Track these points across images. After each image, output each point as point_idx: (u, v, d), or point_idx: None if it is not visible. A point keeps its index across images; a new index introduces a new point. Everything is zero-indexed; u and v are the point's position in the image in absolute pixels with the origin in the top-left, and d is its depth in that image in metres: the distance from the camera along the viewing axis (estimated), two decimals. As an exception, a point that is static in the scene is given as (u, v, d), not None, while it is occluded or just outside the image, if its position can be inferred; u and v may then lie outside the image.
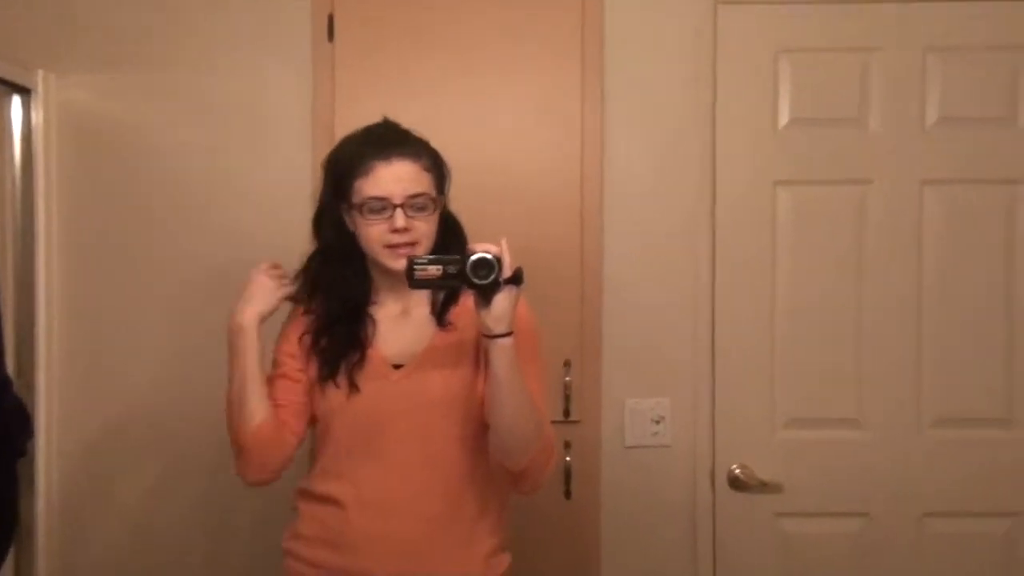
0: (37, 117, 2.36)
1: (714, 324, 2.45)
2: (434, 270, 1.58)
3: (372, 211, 1.70)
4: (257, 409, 1.73)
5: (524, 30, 2.41)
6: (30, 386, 2.35)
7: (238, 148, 2.42)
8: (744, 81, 2.44)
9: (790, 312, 2.45)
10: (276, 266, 1.79)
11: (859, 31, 2.44)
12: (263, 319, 1.74)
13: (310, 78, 2.41)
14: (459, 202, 1.85)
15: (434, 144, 1.79)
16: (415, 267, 1.58)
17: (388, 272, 1.74)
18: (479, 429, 1.73)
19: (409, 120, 1.81)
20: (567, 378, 2.40)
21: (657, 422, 2.45)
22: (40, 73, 2.37)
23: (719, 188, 2.44)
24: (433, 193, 1.74)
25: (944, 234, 2.44)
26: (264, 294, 1.75)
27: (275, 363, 1.83)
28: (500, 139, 2.42)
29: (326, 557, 1.74)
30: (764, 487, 2.44)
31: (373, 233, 1.71)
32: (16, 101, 2.34)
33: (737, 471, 2.45)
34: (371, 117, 1.81)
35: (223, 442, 2.35)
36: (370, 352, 1.76)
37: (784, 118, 2.45)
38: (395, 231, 1.69)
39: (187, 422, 2.42)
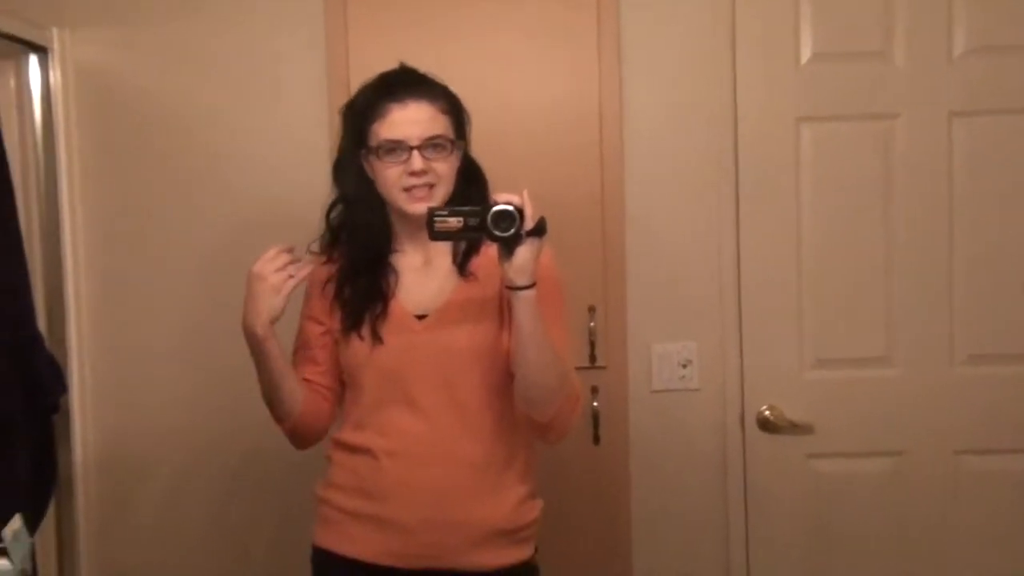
0: (55, 76, 2.37)
1: (739, 265, 2.42)
2: (455, 222, 1.55)
3: (388, 154, 1.70)
4: (293, 405, 1.77)
5: (539, -29, 2.37)
6: (60, 342, 2.38)
7: (254, 103, 2.42)
8: (764, 16, 2.39)
9: (817, 250, 2.42)
10: (283, 251, 1.70)
11: (880, -39, 2.38)
12: (275, 320, 1.69)
13: (323, 30, 2.39)
14: (477, 148, 1.83)
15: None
16: (435, 219, 1.56)
17: (408, 219, 1.73)
18: (505, 379, 1.72)
19: (424, 68, 1.79)
20: (592, 324, 2.39)
21: (684, 366, 2.44)
22: (55, 31, 2.37)
23: (741, 126, 2.40)
24: (450, 135, 1.73)
25: (973, 167, 2.39)
26: (268, 297, 1.67)
27: (300, 330, 1.85)
28: (516, 83, 2.40)
29: (359, 505, 1.76)
30: (794, 428, 2.42)
31: (390, 176, 1.70)
32: (33, 60, 2.35)
33: (767, 413, 2.43)
34: (385, 68, 1.79)
35: (251, 393, 2.40)
36: (392, 303, 1.76)
37: (806, 53, 2.40)
38: (412, 173, 1.68)
39: (214, 377, 2.44)
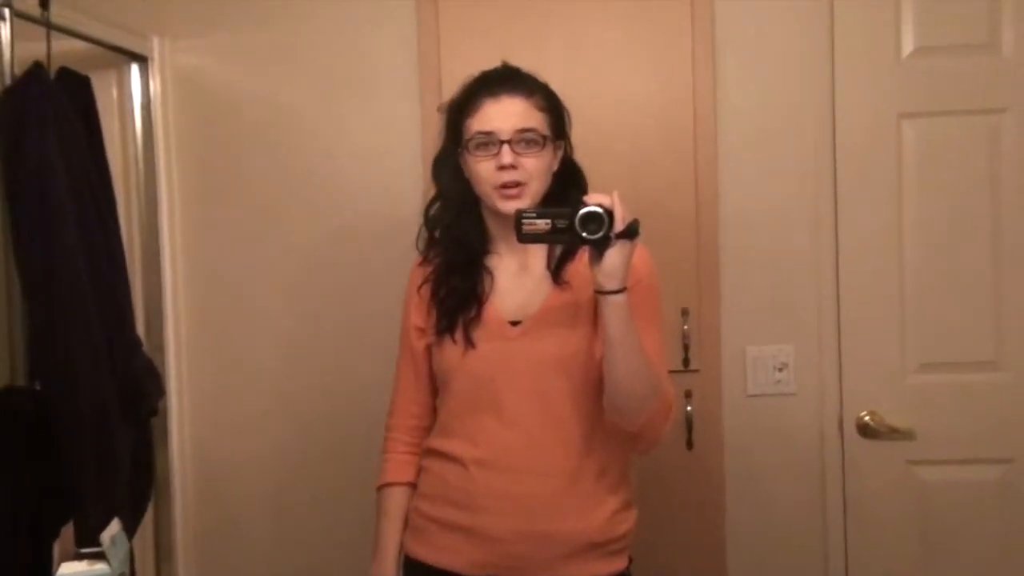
0: (155, 84, 2.42)
1: (838, 266, 2.35)
2: (543, 224, 1.52)
3: (480, 147, 1.69)
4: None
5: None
6: (159, 347, 2.43)
7: (347, 104, 2.44)
8: (864, 8, 2.32)
9: (920, 250, 2.34)
10: None
11: (987, -51, 2.30)
12: None
13: (415, 33, 2.40)
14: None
15: (544, 89, 1.76)
16: (523, 220, 1.53)
17: (503, 221, 1.71)
18: (597, 388, 1.68)
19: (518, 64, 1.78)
20: (685, 326, 2.35)
21: (780, 369, 2.38)
22: (155, 40, 2.42)
23: (840, 123, 2.34)
24: (545, 131, 1.70)
25: (1088, 162, 2.29)
26: None
27: (402, 338, 1.86)
28: (609, 82, 2.37)
29: (448, 514, 1.74)
30: (895, 434, 2.34)
31: (482, 171, 1.69)
32: (134, 70, 2.40)
33: (866, 418, 2.36)
34: (477, 68, 1.78)
35: (349, 397, 2.42)
36: (487, 308, 1.74)
37: (908, 46, 2.32)
38: (502, 167, 1.66)
39: (311, 381, 2.47)
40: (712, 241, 2.37)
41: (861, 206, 2.34)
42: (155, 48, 2.42)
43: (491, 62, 1.79)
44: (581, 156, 1.82)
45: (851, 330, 2.36)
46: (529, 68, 1.77)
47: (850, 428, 2.37)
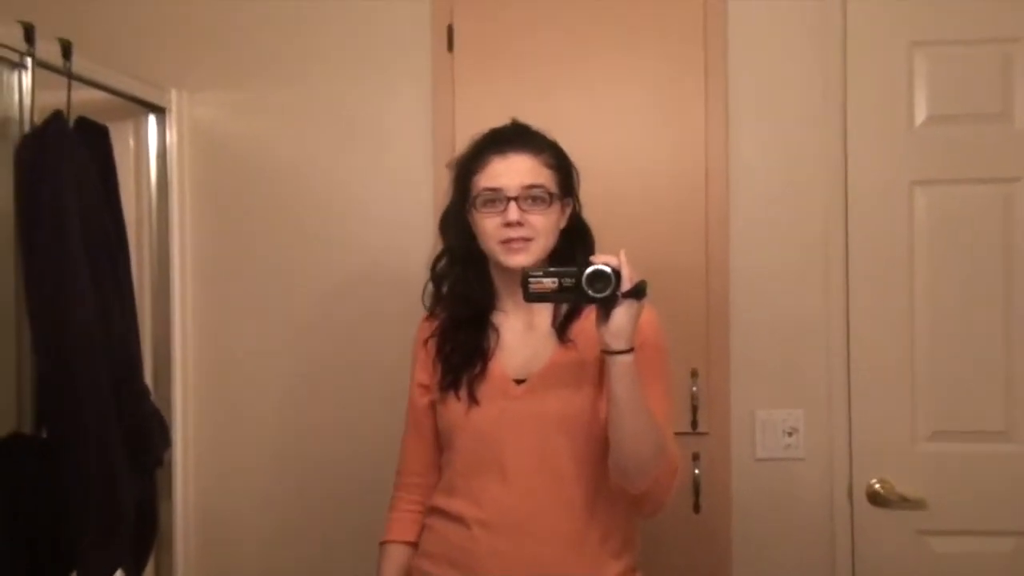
0: (171, 135, 2.44)
1: (849, 331, 2.34)
2: (549, 283, 1.52)
3: (487, 204, 1.69)
4: None
5: (645, 30, 2.37)
6: (166, 398, 2.42)
7: (361, 161, 2.46)
8: (877, 76, 2.34)
9: (931, 318, 2.33)
10: None
11: (999, 20, 2.32)
12: None
13: (430, 89, 2.42)
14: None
15: (557, 147, 1.77)
16: (530, 279, 1.53)
17: (509, 277, 1.70)
18: (602, 449, 1.65)
19: (529, 121, 1.78)
20: (694, 388, 2.34)
21: (790, 434, 2.36)
22: (173, 92, 2.45)
23: (852, 189, 2.34)
24: (552, 188, 1.70)
25: (1100, 233, 2.29)
26: None
27: (409, 398, 1.85)
28: (622, 142, 2.38)
29: (450, 574, 1.71)
30: (906, 503, 2.31)
31: (488, 227, 1.69)
32: (151, 120, 2.43)
33: (876, 486, 2.33)
34: (491, 125, 1.79)
35: (352, 451, 2.41)
36: (492, 365, 1.73)
37: (921, 115, 2.33)
38: (508, 224, 1.66)
39: (316, 434, 2.47)
40: (722, 302, 2.36)
41: (873, 271, 2.34)
42: (173, 100, 2.45)
43: (505, 119, 1.80)
44: (591, 213, 1.83)
45: (862, 396, 2.34)
46: (542, 125, 1.78)
47: (860, 495, 2.34)
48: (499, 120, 1.80)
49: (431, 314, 1.83)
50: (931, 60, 2.33)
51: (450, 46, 2.41)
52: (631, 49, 2.38)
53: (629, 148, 2.39)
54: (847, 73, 2.34)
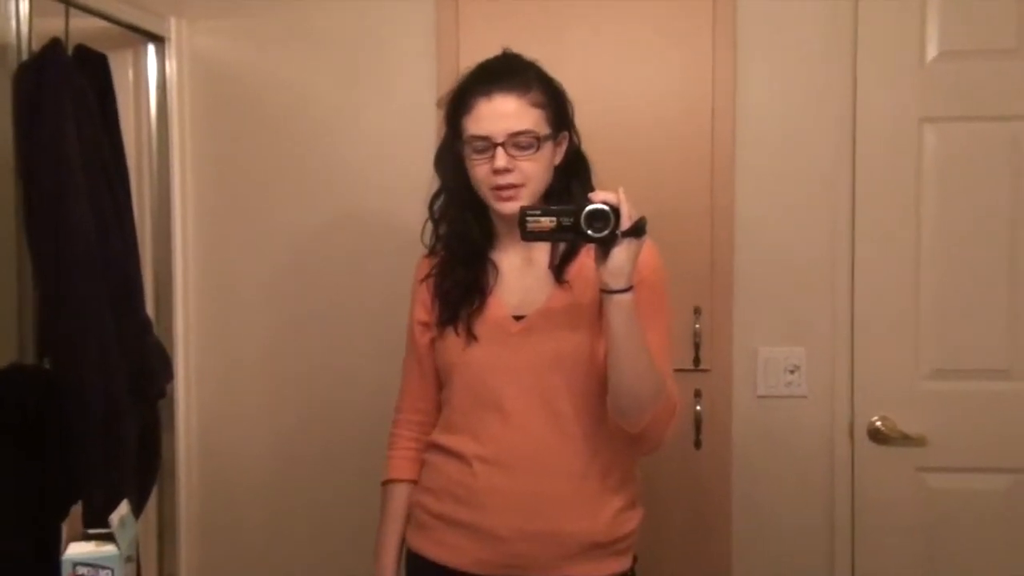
0: (171, 65, 2.41)
1: (854, 269, 2.33)
2: (547, 221, 1.49)
3: (476, 151, 1.66)
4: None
5: (654, -36, 2.33)
6: (168, 329, 2.42)
7: (364, 95, 2.43)
8: (889, 11, 2.29)
9: (937, 256, 2.32)
10: None
11: (1016, -46, 2.27)
12: None
13: (434, 22, 2.38)
14: (585, 143, 1.79)
15: (560, 79, 1.73)
16: (528, 218, 1.50)
17: (505, 217, 1.68)
18: (601, 387, 1.65)
19: (534, 56, 1.74)
20: (697, 325, 2.33)
21: (792, 372, 2.36)
22: (172, 20, 2.41)
23: (860, 126, 2.31)
24: (541, 131, 1.66)
25: (1110, 172, 2.26)
26: None
27: (408, 334, 1.84)
28: (628, 79, 2.35)
29: (450, 510, 1.72)
30: (906, 440, 2.32)
31: (479, 174, 1.67)
32: (150, 50, 2.39)
33: (877, 423, 2.34)
34: (495, 54, 1.76)
35: (354, 380, 2.41)
36: (490, 301, 1.72)
37: (932, 51, 2.30)
38: (496, 171, 1.63)
39: (317, 367, 2.47)
40: (727, 240, 2.35)
41: (879, 210, 2.32)
42: (172, 29, 2.41)
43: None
44: (596, 151, 1.80)
45: (864, 335, 2.34)
46: (547, 60, 1.74)
47: (861, 433, 2.35)
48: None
49: (431, 252, 1.82)
50: (943, -6, 2.29)
51: (455, -27, 2.37)
52: (639, -18, 2.34)
53: (635, 85, 2.35)
54: (858, 8, 2.30)
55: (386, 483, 1.86)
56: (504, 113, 1.64)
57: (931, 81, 2.30)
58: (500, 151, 1.62)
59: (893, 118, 2.31)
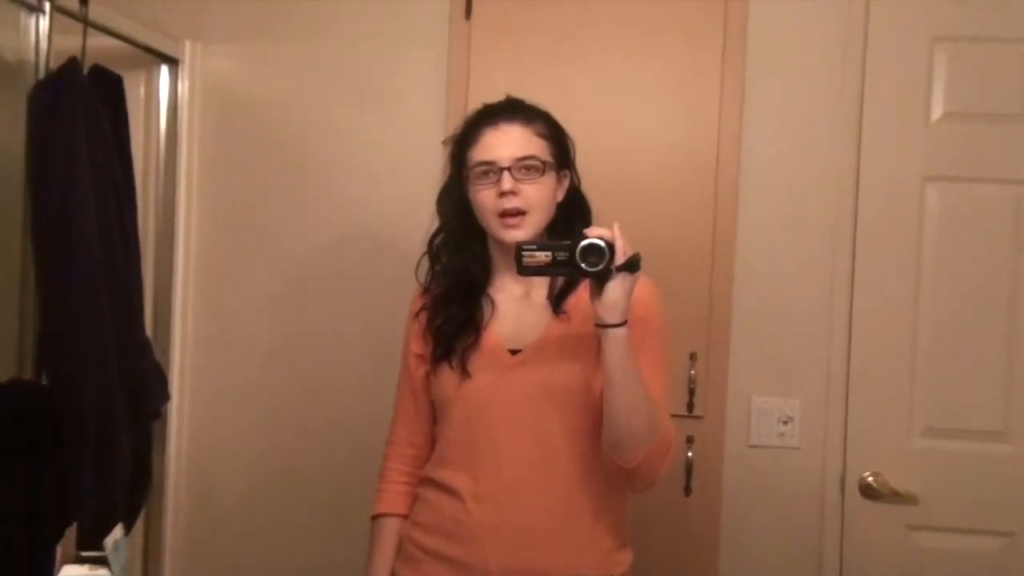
0: (183, 87, 2.43)
1: (851, 323, 2.34)
2: (543, 256, 1.52)
3: (481, 177, 1.68)
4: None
5: (665, 11, 2.35)
6: (165, 349, 2.43)
7: (372, 124, 2.45)
8: (896, 70, 2.32)
9: (935, 314, 2.33)
10: None
11: (1021, 19, 2.29)
12: None
13: (446, 55, 2.41)
14: (590, 182, 1.81)
15: (567, 123, 1.76)
16: (524, 253, 1.53)
17: (506, 251, 1.69)
18: (595, 424, 1.65)
19: (543, 99, 1.77)
20: (692, 371, 2.34)
21: (785, 422, 2.37)
22: (187, 43, 2.44)
23: (864, 181, 2.33)
24: (545, 157, 1.69)
25: (1110, 238, 2.28)
26: None
27: (401, 367, 1.85)
28: (635, 120, 2.37)
29: (442, 546, 1.71)
30: (898, 497, 2.32)
31: (483, 199, 1.68)
32: (164, 71, 2.42)
33: (869, 479, 2.34)
34: (504, 95, 1.79)
35: (349, 403, 2.41)
36: (485, 335, 1.72)
37: (938, 111, 2.32)
38: (502, 194, 1.66)
39: (312, 391, 2.47)
40: (726, 286, 2.36)
41: (879, 265, 2.33)
42: (187, 51, 2.44)
43: (518, 89, 1.79)
44: (601, 191, 1.82)
45: (859, 389, 2.35)
46: (555, 98, 1.78)
47: (852, 488, 2.35)
48: (513, 89, 1.79)
49: (425, 289, 1.83)
50: (951, 56, 2.31)
51: (468, 13, 2.39)
52: (649, 28, 2.36)
53: (641, 127, 2.37)
54: (866, 65, 2.32)
55: (376, 517, 1.85)
56: (510, 139, 1.68)
57: (935, 141, 2.32)
58: (506, 175, 1.65)
59: (896, 175, 2.33)
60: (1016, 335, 2.31)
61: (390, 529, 1.82)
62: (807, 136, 2.35)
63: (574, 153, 1.78)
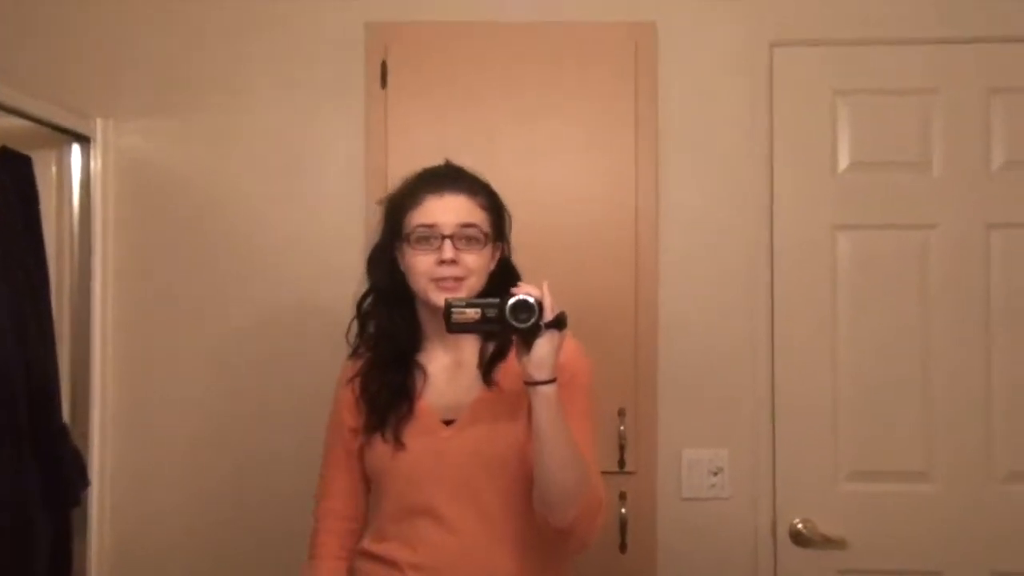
0: (96, 165, 2.39)
1: (774, 373, 2.39)
2: (472, 313, 1.52)
3: (420, 241, 1.67)
4: None
5: (577, 72, 2.40)
6: (84, 435, 2.35)
7: (292, 194, 2.43)
8: (801, 123, 2.40)
9: (853, 360, 2.38)
10: None
11: (919, 72, 2.40)
12: None
13: (363, 124, 2.42)
14: (513, 242, 1.82)
15: (488, 177, 1.77)
16: (452, 309, 1.53)
17: (436, 316, 1.67)
18: (530, 487, 1.64)
19: (462, 162, 1.78)
20: (622, 427, 2.35)
21: (715, 473, 2.39)
22: (99, 121, 2.40)
23: (777, 232, 2.39)
24: (486, 228, 1.70)
25: (1011, 279, 2.37)
26: None
27: (330, 438, 1.83)
28: (553, 180, 2.40)
29: None
30: (828, 543, 2.35)
31: (420, 265, 1.67)
32: (75, 149, 2.38)
33: (799, 526, 2.36)
34: (423, 162, 1.79)
35: (279, 492, 2.37)
36: (419, 405, 1.71)
37: (844, 161, 2.40)
38: (442, 262, 1.65)
39: (241, 473, 2.42)
40: (651, 342, 2.38)
41: (797, 314, 2.39)
42: (98, 128, 2.40)
43: (439, 154, 1.80)
44: (524, 250, 1.83)
45: (785, 437, 2.38)
46: (475, 160, 1.78)
47: (783, 535, 2.37)
48: (432, 156, 1.80)
49: (355, 353, 1.81)
50: (853, 108, 2.40)
51: (383, 82, 2.41)
52: (564, 88, 2.40)
53: (561, 185, 2.40)
54: (773, 118, 2.40)
55: None
56: (454, 207, 1.68)
57: (843, 190, 2.40)
58: (448, 243, 1.65)
59: (807, 225, 2.40)
60: (930, 375, 2.37)
61: None
62: (721, 190, 2.41)
63: (510, 225, 1.78)
